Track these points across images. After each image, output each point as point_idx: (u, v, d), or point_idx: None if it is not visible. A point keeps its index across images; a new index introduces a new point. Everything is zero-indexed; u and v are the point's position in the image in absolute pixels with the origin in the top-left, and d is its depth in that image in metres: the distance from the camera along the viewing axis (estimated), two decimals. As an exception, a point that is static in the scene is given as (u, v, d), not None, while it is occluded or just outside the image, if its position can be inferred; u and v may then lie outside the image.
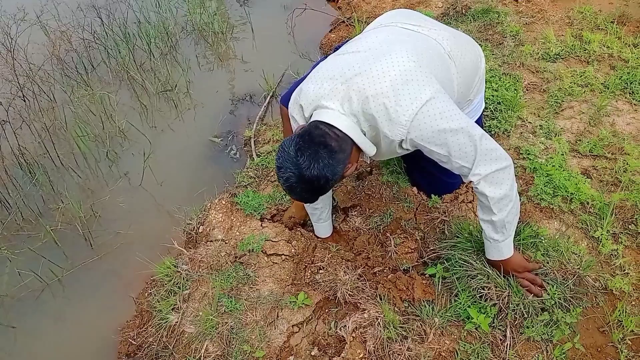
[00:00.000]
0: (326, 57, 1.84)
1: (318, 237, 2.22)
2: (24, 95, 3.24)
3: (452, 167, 1.61)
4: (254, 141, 2.87)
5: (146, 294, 2.15)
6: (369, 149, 1.62)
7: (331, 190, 2.08)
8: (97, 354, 2.05)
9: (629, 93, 2.60)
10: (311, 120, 1.60)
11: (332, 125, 1.54)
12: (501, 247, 1.72)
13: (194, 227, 2.34)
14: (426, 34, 1.78)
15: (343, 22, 3.82)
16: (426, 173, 2.18)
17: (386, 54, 1.60)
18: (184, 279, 2.09)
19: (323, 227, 2.18)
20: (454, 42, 1.82)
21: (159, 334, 1.99)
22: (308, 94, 1.63)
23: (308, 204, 2.09)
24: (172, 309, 2.02)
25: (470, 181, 1.61)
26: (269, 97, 3.23)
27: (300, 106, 1.66)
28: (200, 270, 2.10)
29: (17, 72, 3.34)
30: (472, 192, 2.23)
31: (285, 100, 2.04)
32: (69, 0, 4.20)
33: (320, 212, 2.11)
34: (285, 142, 1.51)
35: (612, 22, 3.11)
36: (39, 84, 3.36)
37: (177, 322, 1.98)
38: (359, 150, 1.61)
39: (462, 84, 1.82)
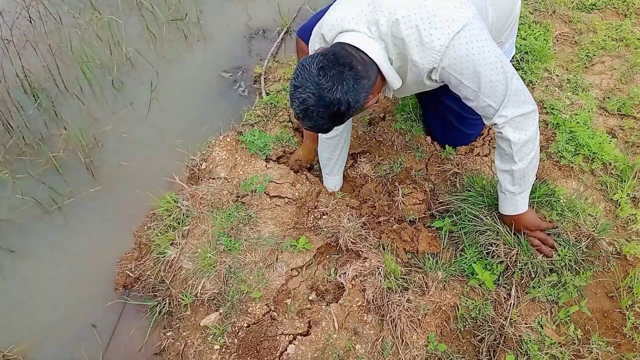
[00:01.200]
0: None
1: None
2: (29, 15, 3.11)
3: (477, 105, 1.51)
4: (264, 78, 2.75)
5: (145, 228, 2.12)
6: (395, 80, 1.50)
7: (348, 140, 1.98)
8: (95, 284, 2.03)
9: (667, 50, 2.43)
10: (335, 42, 1.47)
11: (358, 49, 1.41)
12: (517, 200, 1.65)
13: (197, 163, 2.28)
14: None
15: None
16: (444, 120, 2.07)
17: None
18: (184, 214, 2.05)
19: (333, 180, 2.10)
20: None
21: (156, 267, 1.97)
22: (330, 21, 1.50)
23: (324, 151, 1.98)
24: (171, 244, 1.99)
25: (494, 124, 1.52)
26: (282, 33, 3.08)
27: (322, 35, 1.53)
28: (200, 207, 2.05)
29: (23, -10, 3.20)
30: (489, 144, 2.12)
31: (302, 33, 1.91)
32: None
33: (334, 164, 2.02)
34: (306, 60, 1.37)
35: (657, -28, 2.88)
36: (45, 4, 3.22)
37: (175, 257, 1.95)
38: (383, 81, 1.49)
39: (496, 19, 1.68)
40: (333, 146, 1.94)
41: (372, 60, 1.42)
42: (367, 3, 1.44)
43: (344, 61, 1.36)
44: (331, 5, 1.59)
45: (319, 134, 1.98)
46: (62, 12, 3.22)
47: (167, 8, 3.29)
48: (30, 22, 3.12)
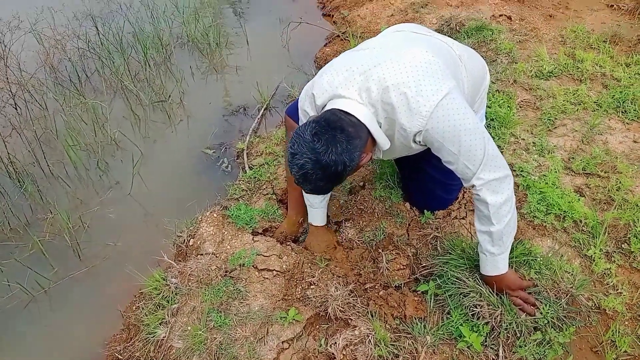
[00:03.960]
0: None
1: (311, 225, 2.17)
2: (15, 103, 3.21)
3: (457, 167, 1.61)
4: (247, 153, 2.85)
5: (134, 308, 2.11)
6: (384, 142, 1.61)
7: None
8: (83, 368, 2.00)
9: (622, 112, 2.62)
10: (326, 109, 1.58)
11: (348, 113, 1.52)
12: (497, 260, 1.71)
13: (184, 240, 2.31)
14: (438, 38, 1.83)
15: (338, 36, 3.83)
16: (423, 186, 2.18)
17: (405, 49, 1.62)
18: (172, 292, 2.06)
19: (318, 213, 2.13)
20: (463, 48, 1.88)
21: (146, 348, 1.95)
22: (322, 84, 1.62)
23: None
24: (160, 323, 1.98)
25: (472, 185, 1.62)
26: (262, 109, 3.23)
27: (313, 95, 1.65)
28: (189, 284, 2.07)
29: (10, 79, 3.31)
30: (465, 207, 2.22)
31: (291, 112, 2.03)
32: (65, 9, 4.19)
33: (318, 197, 2.08)
34: (300, 128, 1.48)
35: (604, 41, 3.15)
36: (31, 92, 3.34)
37: (164, 336, 1.94)
38: (374, 142, 1.60)
39: (471, 87, 1.85)
40: None
41: (362, 122, 1.53)
42: (359, 72, 1.57)
43: (334, 125, 1.47)
44: (323, 68, 1.71)
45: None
46: (47, 99, 3.33)
47: (151, 90, 3.43)
48: (16, 109, 3.21)
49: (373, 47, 1.70)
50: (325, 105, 1.61)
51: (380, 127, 1.60)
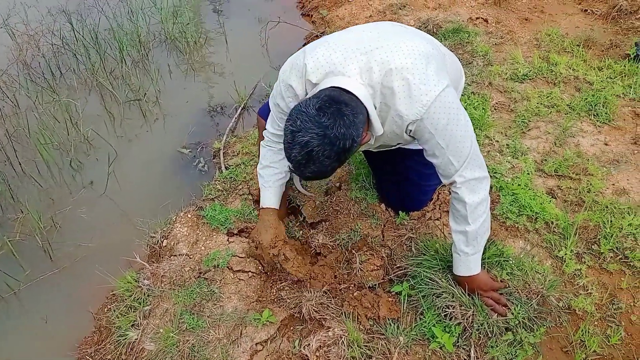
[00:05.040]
0: None
1: (262, 208, 1.96)
2: (-15, 100, 3.14)
3: (441, 162, 1.61)
4: (223, 153, 2.83)
5: (105, 310, 2.08)
6: (378, 127, 1.57)
7: None
8: (53, 372, 1.97)
9: (593, 115, 2.67)
10: (322, 87, 1.51)
11: (349, 92, 1.47)
12: (470, 261, 1.73)
13: (157, 241, 2.29)
14: (421, 33, 1.80)
15: (317, 36, 3.83)
16: (398, 187, 2.18)
17: (407, 36, 1.60)
18: (145, 294, 2.03)
19: (270, 192, 1.94)
20: (441, 45, 1.85)
21: (117, 351, 1.92)
22: (317, 58, 1.55)
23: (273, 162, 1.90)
24: (132, 326, 1.96)
25: (453, 182, 1.63)
26: (240, 108, 3.20)
27: (305, 66, 1.55)
28: (162, 285, 2.05)
29: (-20, 75, 3.24)
30: (440, 208, 2.23)
31: (263, 112, 2.00)
32: (38, 4, 4.11)
33: (276, 173, 1.91)
34: (301, 104, 1.41)
35: (578, 45, 3.20)
36: (3, 89, 3.27)
37: (136, 339, 1.92)
38: (368, 125, 1.55)
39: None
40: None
41: (362, 103, 1.48)
42: (361, 52, 1.52)
43: (338, 99, 1.42)
44: (313, 42, 1.65)
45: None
46: (19, 96, 3.26)
47: (127, 88, 3.38)
48: (-13, 106, 3.14)
49: (369, 31, 1.63)
50: (319, 84, 1.53)
51: (375, 109, 1.56)
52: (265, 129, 1.88)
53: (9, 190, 2.65)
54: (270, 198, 1.94)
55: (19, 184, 2.73)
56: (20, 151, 2.87)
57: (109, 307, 2.08)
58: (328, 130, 1.36)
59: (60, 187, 2.73)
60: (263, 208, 1.95)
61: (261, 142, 1.94)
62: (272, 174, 1.91)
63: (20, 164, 2.80)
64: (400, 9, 3.83)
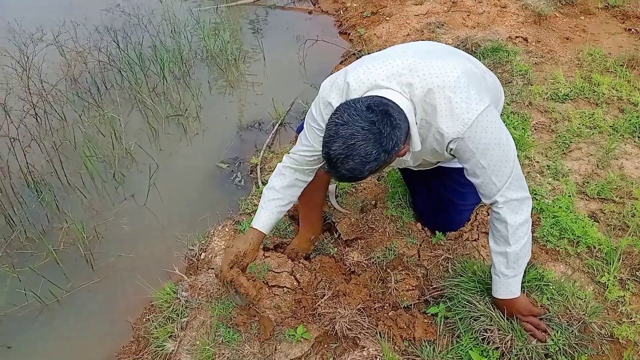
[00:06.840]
0: None
1: (250, 228, 1.85)
2: (35, 114, 3.28)
3: (482, 181, 1.60)
4: (260, 169, 2.88)
5: (144, 320, 2.13)
6: (416, 141, 1.56)
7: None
8: (92, 379, 2.02)
9: (638, 137, 2.60)
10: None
11: (392, 101, 1.47)
12: (510, 283, 1.70)
13: (195, 254, 2.33)
14: (460, 52, 1.81)
15: (354, 54, 3.86)
16: (435, 206, 2.17)
17: (447, 55, 1.62)
18: (182, 306, 2.07)
19: (264, 214, 1.83)
20: (481, 64, 1.84)
21: (155, 361, 1.96)
22: (359, 76, 1.56)
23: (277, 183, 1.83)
24: (169, 337, 1.99)
25: (495, 202, 1.61)
26: (277, 125, 3.26)
27: (347, 84, 1.56)
28: (199, 298, 2.08)
29: (31, 90, 3.38)
30: (478, 229, 2.20)
31: (301, 130, 2.03)
32: (87, 22, 4.29)
33: (277, 199, 1.82)
34: (349, 101, 1.43)
35: (621, 65, 3.13)
36: (52, 103, 3.40)
37: (173, 350, 1.95)
38: (406, 139, 1.53)
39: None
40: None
41: (405, 114, 1.48)
42: (402, 67, 1.54)
43: (386, 103, 1.43)
44: (351, 64, 1.67)
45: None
46: (67, 110, 3.39)
47: (168, 104, 3.48)
48: (36, 119, 3.28)
49: (410, 50, 1.64)
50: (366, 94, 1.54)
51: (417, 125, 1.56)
52: (289, 152, 1.86)
53: (54, 201, 2.76)
54: (263, 220, 1.83)
55: (64, 195, 2.83)
56: (66, 163, 2.97)
57: (147, 317, 2.12)
58: (375, 126, 1.36)
59: (103, 198, 2.82)
60: (251, 227, 1.85)
61: (279, 163, 1.89)
62: (273, 198, 1.83)
63: (65, 176, 2.91)
64: (438, 27, 3.84)
